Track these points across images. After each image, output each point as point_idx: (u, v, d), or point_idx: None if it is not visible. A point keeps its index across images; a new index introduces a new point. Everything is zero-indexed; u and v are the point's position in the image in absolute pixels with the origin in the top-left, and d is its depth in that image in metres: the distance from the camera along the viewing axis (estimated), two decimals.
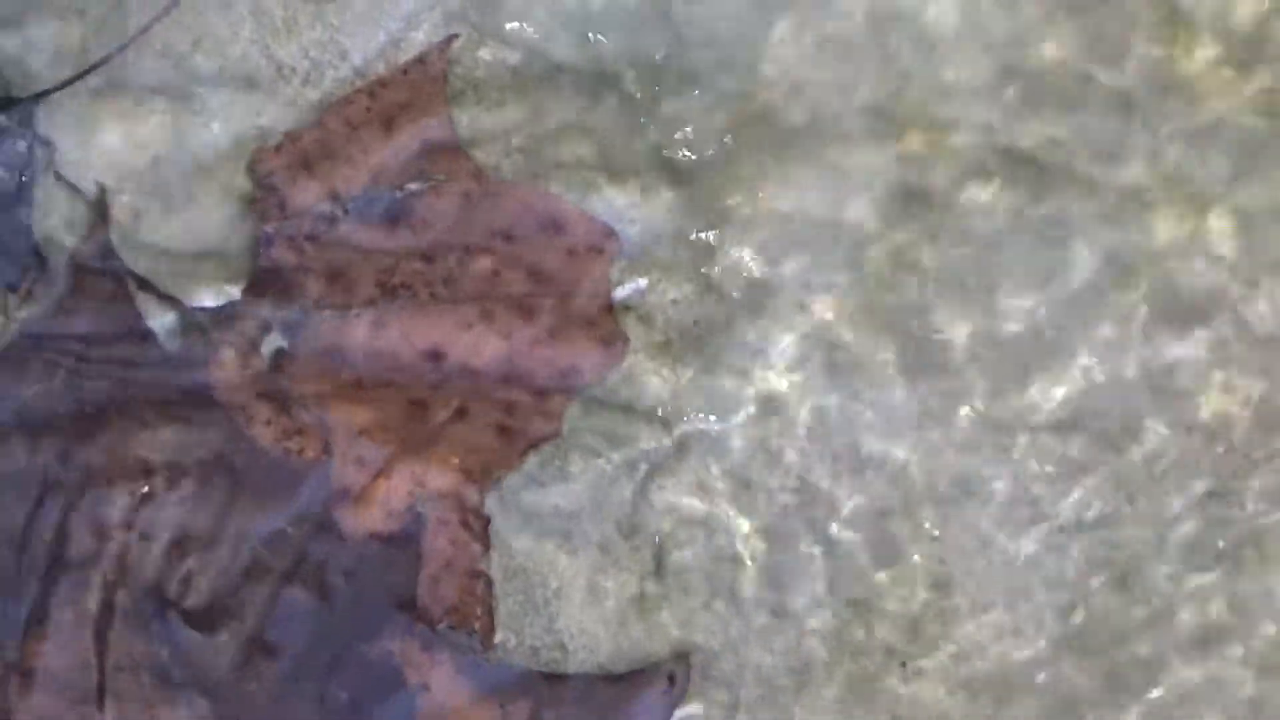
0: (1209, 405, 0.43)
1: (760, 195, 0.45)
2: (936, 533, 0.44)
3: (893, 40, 0.44)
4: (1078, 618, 0.44)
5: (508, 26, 0.46)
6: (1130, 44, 0.43)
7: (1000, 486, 0.44)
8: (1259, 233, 0.43)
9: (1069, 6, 0.43)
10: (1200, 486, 0.43)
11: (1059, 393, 0.43)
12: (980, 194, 0.43)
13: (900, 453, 0.44)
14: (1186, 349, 0.43)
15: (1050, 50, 0.43)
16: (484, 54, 0.45)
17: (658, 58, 0.45)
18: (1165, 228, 0.43)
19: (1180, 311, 0.43)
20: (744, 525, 0.45)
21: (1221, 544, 0.43)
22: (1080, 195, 0.43)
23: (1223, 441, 0.43)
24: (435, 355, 0.44)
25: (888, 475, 0.44)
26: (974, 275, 0.43)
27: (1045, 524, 0.44)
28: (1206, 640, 0.43)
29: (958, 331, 0.44)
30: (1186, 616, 0.43)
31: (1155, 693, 0.44)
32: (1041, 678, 0.44)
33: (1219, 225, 0.43)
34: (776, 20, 0.45)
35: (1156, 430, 0.43)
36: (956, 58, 0.43)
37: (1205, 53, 0.43)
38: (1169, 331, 0.43)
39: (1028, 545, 0.44)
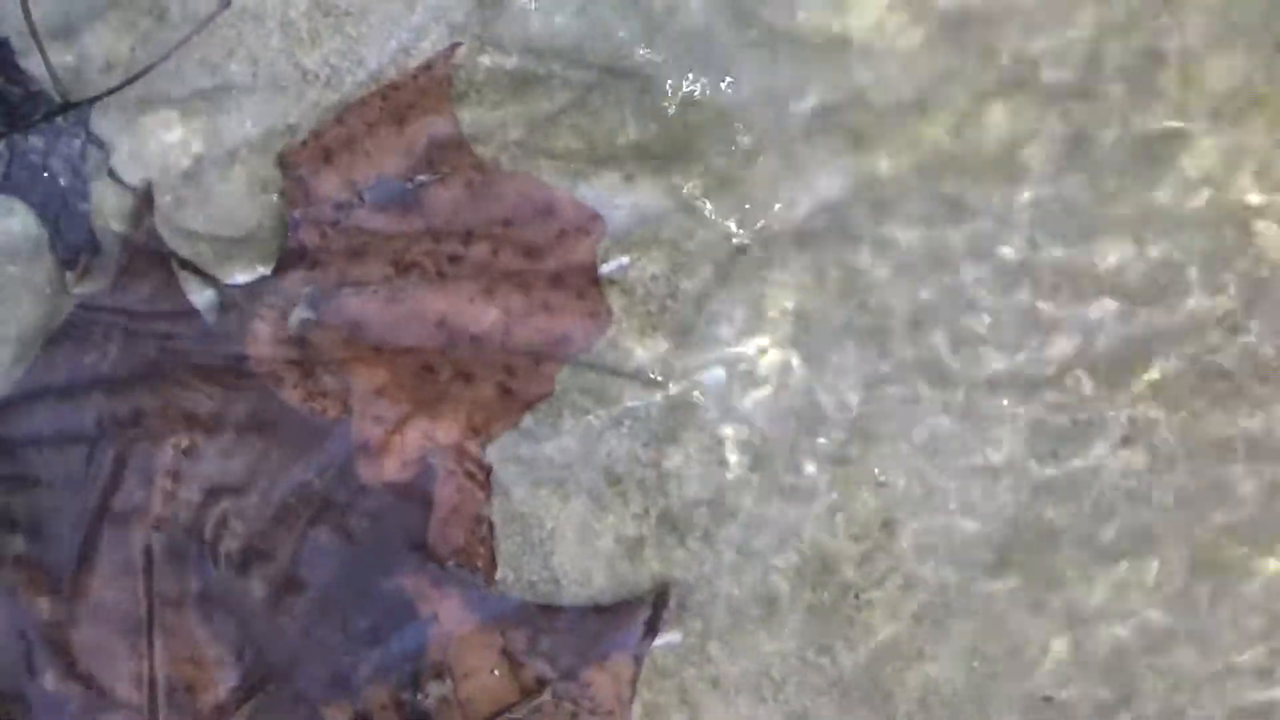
0: (1144, 377, 0.47)
1: (741, 185, 0.46)
2: (884, 478, 0.46)
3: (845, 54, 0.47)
4: (1010, 549, 0.46)
5: (505, 36, 0.47)
6: None
7: (941, 436, 0.46)
8: None
9: None
10: (1118, 433, 0.47)
11: (997, 357, 0.46)
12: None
13: (852, 407, 0.46)
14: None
15: None
16: (484, 60, 0.47)
17: (638, 60, 0.46)
18: None
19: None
20: (716, 474, 0.47)
21: (1137, 484, 0.46)
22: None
23: (1142, 395, 0.46)
24: (443, 325, 0.46)
25: (841, 428, 0.46)
26: (922, 256, 0.46)
27: (981, 469, 0.46)
28: (1121, 554, 0.46)
29: (903, 300, 0.46)
30: (1108, 535, 0.47)
31: (1079, 608, 0.46)
32: (976, 605, 0.46)
33: None
34: (746, 30, 0.47)
35: (1079, 378, 0.47)
36: (880, 69, 0.46)
37: None
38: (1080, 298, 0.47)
39: (965, 487, 0.46)
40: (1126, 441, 0.45)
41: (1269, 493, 0.45)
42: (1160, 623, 0.45)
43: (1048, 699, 0.45)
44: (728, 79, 0.47)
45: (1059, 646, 0.46)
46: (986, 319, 0.46)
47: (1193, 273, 0.45)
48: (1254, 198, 0.45)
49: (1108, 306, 0.46)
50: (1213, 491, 0.45)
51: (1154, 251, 0.45)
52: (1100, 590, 0.46)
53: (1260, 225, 0.45)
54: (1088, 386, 0.45)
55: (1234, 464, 0.46)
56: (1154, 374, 0.46)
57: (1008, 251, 0.47)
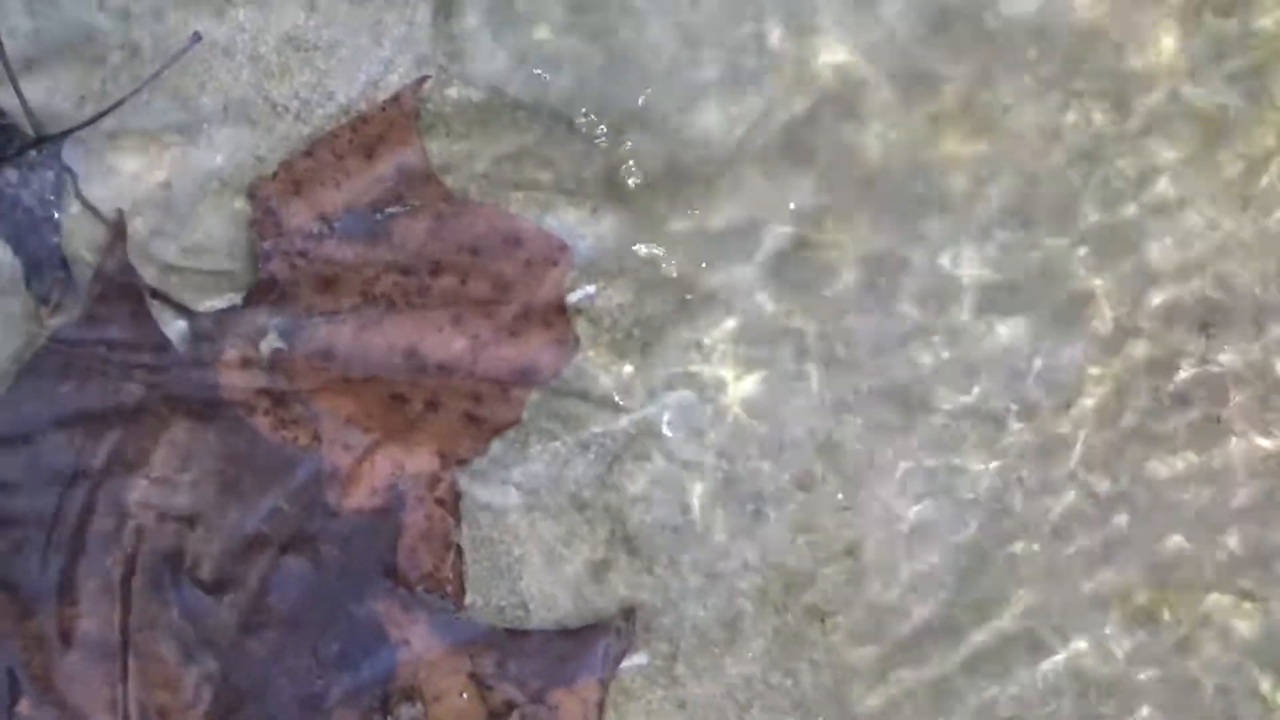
0: (1086, 399, 0.47)
1: (693, 213, 0.47)
2: (847, 503, 0.46)
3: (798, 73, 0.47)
4: (973, 574, 0.46)
5: (471, 69, 0.47)
6: None
7: (901, 462, 0.47)
8: None
9: None
10: (1075, 459, 0.47)
11: (952, 391, 0.46)
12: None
13: (815, 433, 0.47)
14: (1039, 341, 0.47)
15: None
16: (451, 93, 0.48)
17: (604, 96, 0.47)
18: None
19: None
20: (682, 499, 0.47)
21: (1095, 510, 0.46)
22: None
23: (1101, 426, 0.47)
24: (411, 354, 0.47)
25: (804, 453, 0.46)
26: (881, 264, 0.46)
27: (941, 495, 0.47)
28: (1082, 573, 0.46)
29: (863, 325, 0.46)
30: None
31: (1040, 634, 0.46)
32: (938, 628, 0.46)
33: None
34: (705, 63, 0.47)
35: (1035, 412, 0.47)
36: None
37: None
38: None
39: (925, 513, 0.47)
40: (1087, 468, 0.46)
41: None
42: (1123, 641, 0.46)
43: None
44: (682, 119, 0.47)
45: (1020, 670, 0.46)
46: (945, 353, 0.46)
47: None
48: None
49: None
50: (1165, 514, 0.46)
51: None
52: (1061, 614, 0.46)
53: None
54: (1045, 417, 0.46)
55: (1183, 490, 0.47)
56: (1092, 401, 0.47)
57: (955, 261, 0.46)
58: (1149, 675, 0.46)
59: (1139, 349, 0.47)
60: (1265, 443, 0.47)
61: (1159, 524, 0.46)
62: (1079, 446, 0.46)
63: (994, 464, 0.47)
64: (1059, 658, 0.46)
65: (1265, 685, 0.46)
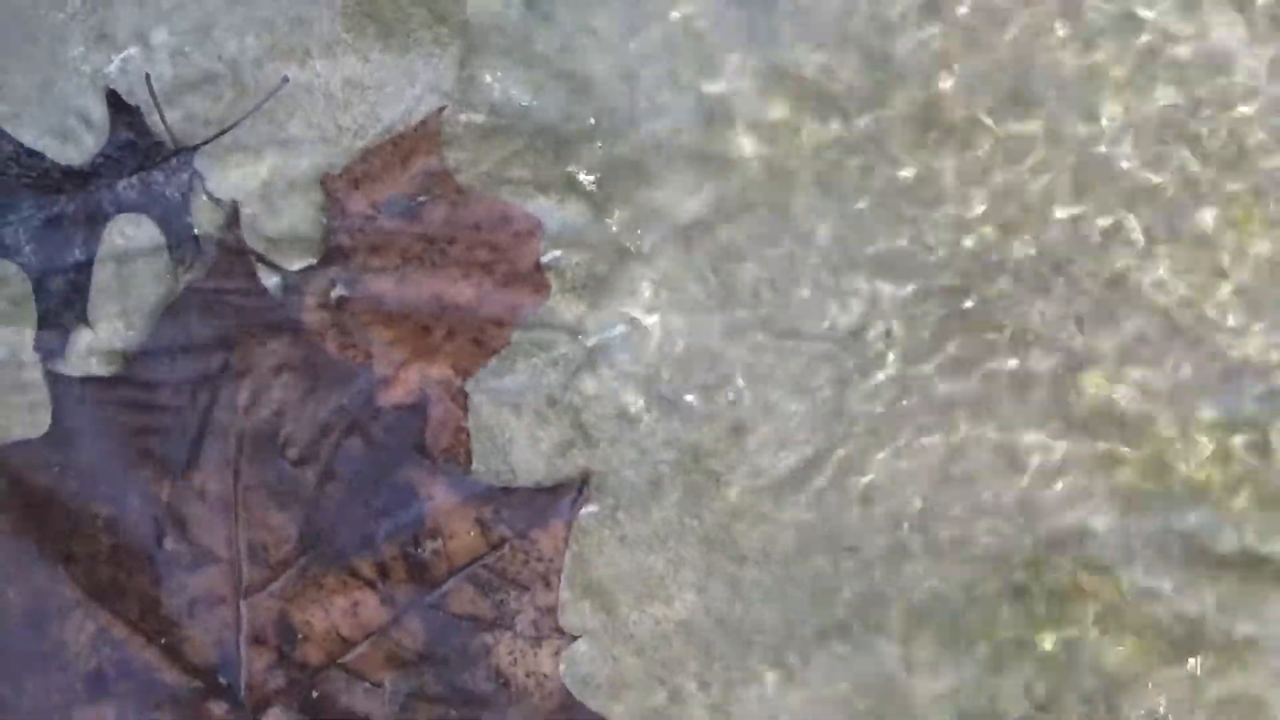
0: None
1: (632, 198, 0.54)
2: (734, 398, 0.53)
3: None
4: (827, 448, 0.53)
5: (476, 100, 0.54)
6: None
7: (779, 372, 0.53)
8: None
9: None
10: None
11: (818, 314, 0.53)
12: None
13: (718, 351, 0.53)
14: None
15: None
16: (462, 117, 0.54)
17: (568, 117, 0.54)
18: None
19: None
20: (622, 399, 0.54)
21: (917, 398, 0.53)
22: None
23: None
24: (435, 299, 0.53)
25: (708, 365, 0.53)
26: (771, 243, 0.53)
27: (805, 391, 0.53)
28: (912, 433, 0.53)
29: (754, 272, 0.53)
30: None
31: (879, 488, 0.53)
32: (802, 480, 0.53)
33: None
34: (643, 90, 0.54)
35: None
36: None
37: None
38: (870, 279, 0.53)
39: (793, 403, 0.53)
40: (900, 376, 0.53)
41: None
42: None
43: (851, 549, 0.53)
44: (633, 136, 0.54)
45: (874, 529, 0.53)
46: (806, 292, 0.53)
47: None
48: None
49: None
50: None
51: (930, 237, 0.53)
52: (887, 462, 0.53)
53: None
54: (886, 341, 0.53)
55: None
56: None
57: (823, 236, 0.53)
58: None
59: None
60: None
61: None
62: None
63: (839, 372, 0.53)
64: (899, 495, 0.54)
65: None
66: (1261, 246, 0.53)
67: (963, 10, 0.53)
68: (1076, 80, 0.53)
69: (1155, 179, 0.53)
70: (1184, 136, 0.53)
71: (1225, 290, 0.53)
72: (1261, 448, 0.52)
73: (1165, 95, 0.53)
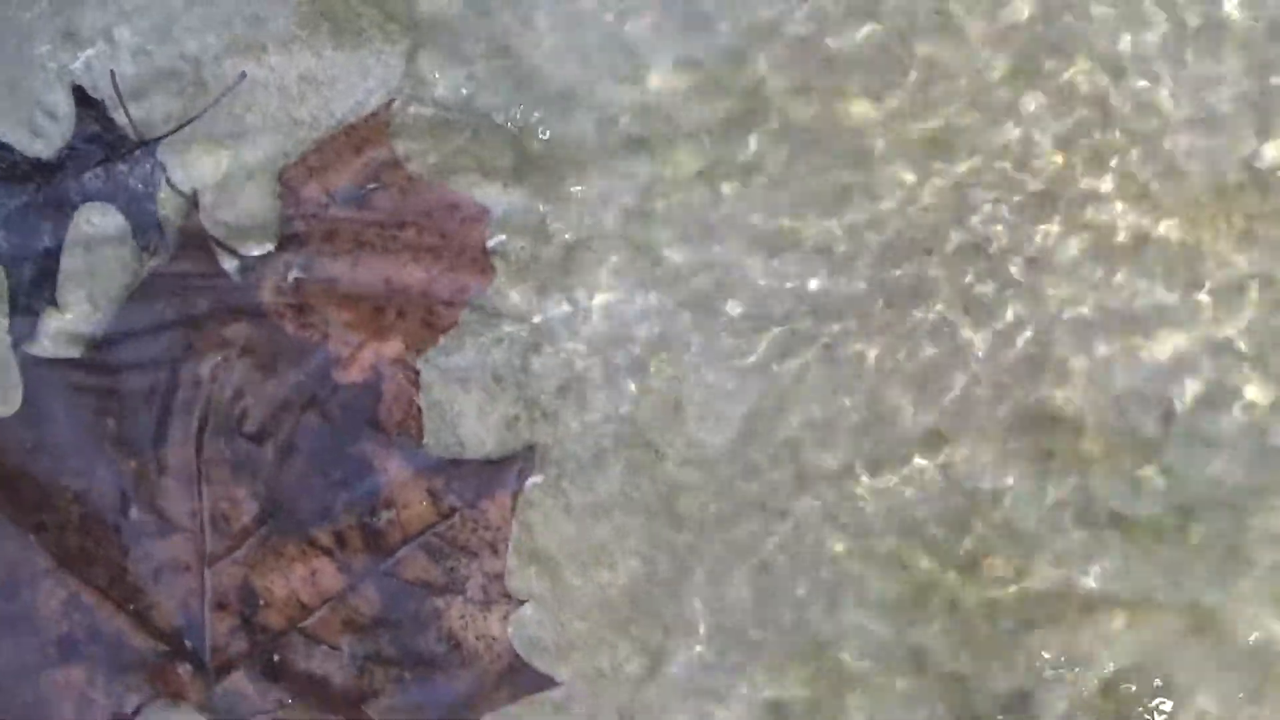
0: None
1: (575, 188, 0.55)
2: (676, 374, 0.55)
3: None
4: (754, 419, 0.54)
5: (423, 94, 0.55)
6: None
7: (713, 347, 0.54)
8: None
9: None
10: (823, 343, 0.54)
11: (740, 301, 0.55)
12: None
13: (655, 330, 0.55)
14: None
15: None
16: (411, 109, 0.55)
17: (510, 108, 0.55)
18: None
19: None
20: (564, 374, 0.55)
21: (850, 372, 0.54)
22: None
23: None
24: (387, 281, 0.54)
25: (646, 344, 0.55)
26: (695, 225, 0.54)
27: (737, 370, 0.54)
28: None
29: (688, 256, 0.55)
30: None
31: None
32: (735, 456, 0.54)
33: None
34: (581, 80, 0.55)
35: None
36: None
37: None
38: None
39: (725, 382, 0.55)
40: (827, 349, 0.55)
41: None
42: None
43: (782, 513, 0.54)
44: (572, 126, 0.55)
45: (802, 494, 0.54)
46: (737, 274, 0.54)
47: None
48: None
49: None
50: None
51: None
52: (814, 432, 0.54)
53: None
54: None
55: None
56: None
57: (754, 222, 0.55)
58: None
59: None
60: None
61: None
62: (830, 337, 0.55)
63: (770, 349, 0.54)
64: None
65: None
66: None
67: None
68: None
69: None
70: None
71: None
72: (1168, 416, 0.54)
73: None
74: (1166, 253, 0.55)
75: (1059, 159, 0.55)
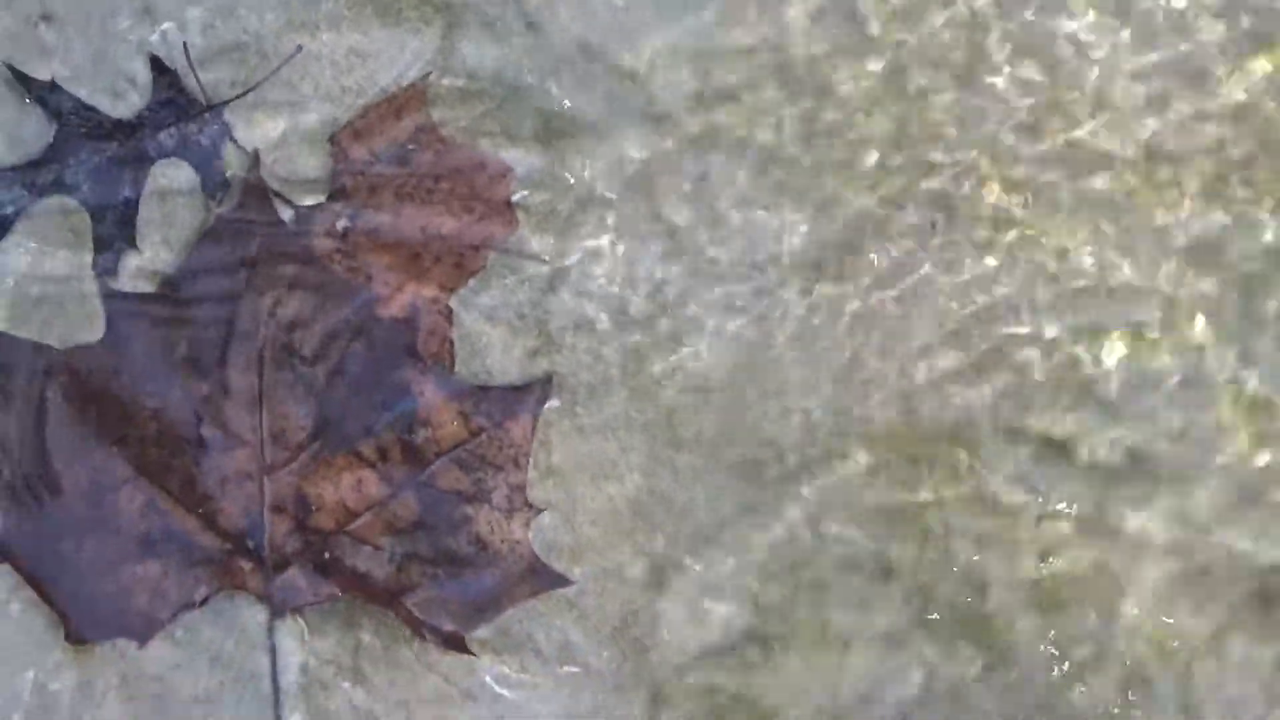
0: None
1: (588, 150, 0.57)
2: (671, 314, 0.57)
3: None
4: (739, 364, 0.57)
5: (455, 66, 0.57)
6: None
7: (707, 295, 0.57)
8: None
9: None
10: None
11: (733, 251, 0.58)
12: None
13: (659, 274, 0.57)
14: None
15: None
16: (445, 81, 0.57)
17: (531, 81, 0.57)
18: None
19: None
20: (580, 313, 0.57)
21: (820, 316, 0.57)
22: None
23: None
24: (424, 230, 0.56)
25: (651, 287, 0.57)
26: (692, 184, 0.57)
27: (731, 309, 0.57)
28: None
29: (690, 211, 0.57)
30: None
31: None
32: (730, 393, 0.57)
33: None
34: (612, 61, 0.57)
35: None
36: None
37: None
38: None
39: (725, 317, 0.57)
40: (804, 292, 0.59)
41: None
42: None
43: (770, 441, 0.57)
44: (587, 97, 0.57)
45: (787, 423, 0.57)
46: (733, 227, 0.58)
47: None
48: None
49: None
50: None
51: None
52: (798, 367, 0.57)
53: None
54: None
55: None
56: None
57: (743, 181, 0.58)
58: None
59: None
60: None
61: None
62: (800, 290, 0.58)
63: (753, 297, 0.58)
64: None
65: None
66: None
67: None
68: None
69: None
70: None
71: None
72: (1096, 358, 0.58)
73: None
74: None
75: None
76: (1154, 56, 0.58)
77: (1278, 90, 0.58)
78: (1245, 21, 0.57)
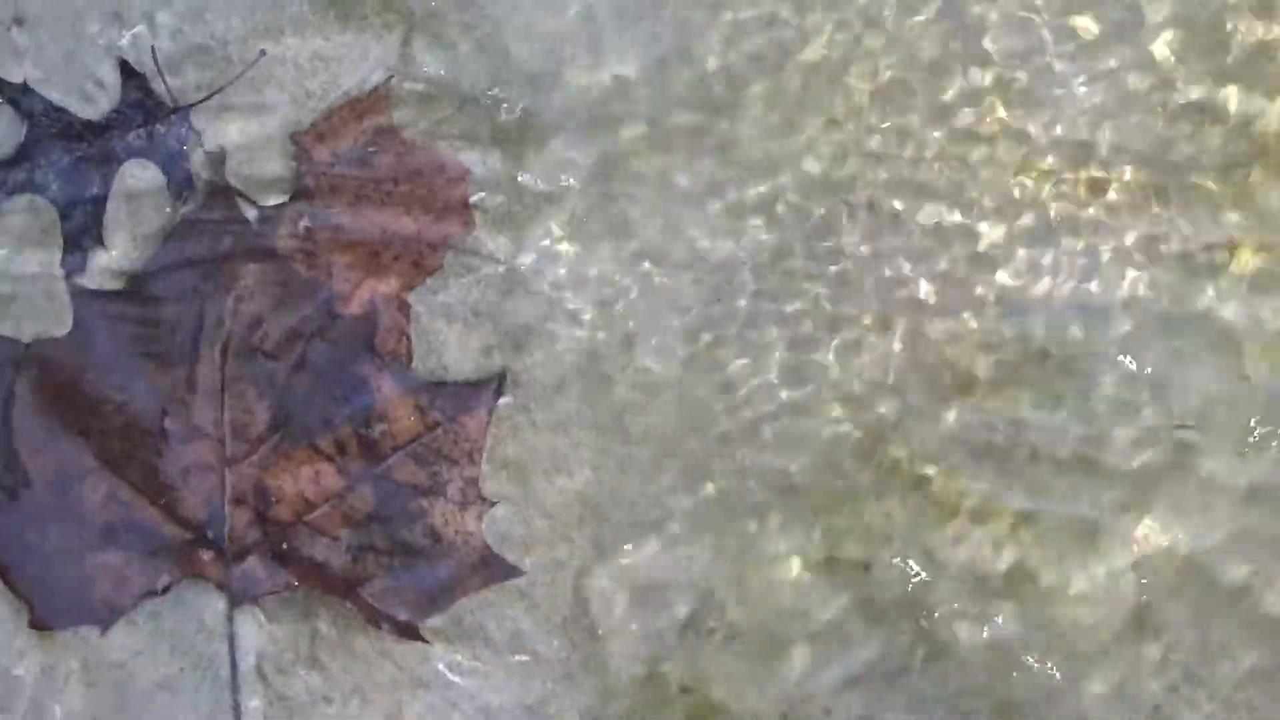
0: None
1: (543, 151, 0.58)
2: (623, 312, 0.58)
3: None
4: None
5: (415, 72, 0.58)
6: None
7: (655, 287, 0.57)
8: None
9: None
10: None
11: (695, 243, 0.58)
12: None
13: (611, 274, 0.57)
14: None
15: None
16: (406, 85, 0.58)
17: (490, 84, 0.58)
18: None
19: None
20: (534, 310, 0.58)
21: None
22: None
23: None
24: (383, 230, 0.57)
25: (603, 287, 0.58)
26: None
27: (675, 309, 0.58)
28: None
29: (641, 212, 0.57)
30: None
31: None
32: (679, 391, 0.57)
33: None
34: (565, 68, 0.58)
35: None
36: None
37: None
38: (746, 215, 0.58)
39: (675, 316, 0.58)
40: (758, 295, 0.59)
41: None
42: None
43: (720, 436, 0.58)
44: (544, 100, 0.58)
45: (736, 418, 0.58)
46: (682, 229, 0.58)
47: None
48: None
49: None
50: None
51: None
52: (747, 365, 0.58)
53: None
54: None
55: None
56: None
57: (696, 185, 0.58)
58: None
59: None
60: None
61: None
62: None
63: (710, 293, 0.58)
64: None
65: None
66: None
67: None
68: None
69: None
70: None
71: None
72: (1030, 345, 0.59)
73: None
74: None
75: None
76: None
77: None
78: None
